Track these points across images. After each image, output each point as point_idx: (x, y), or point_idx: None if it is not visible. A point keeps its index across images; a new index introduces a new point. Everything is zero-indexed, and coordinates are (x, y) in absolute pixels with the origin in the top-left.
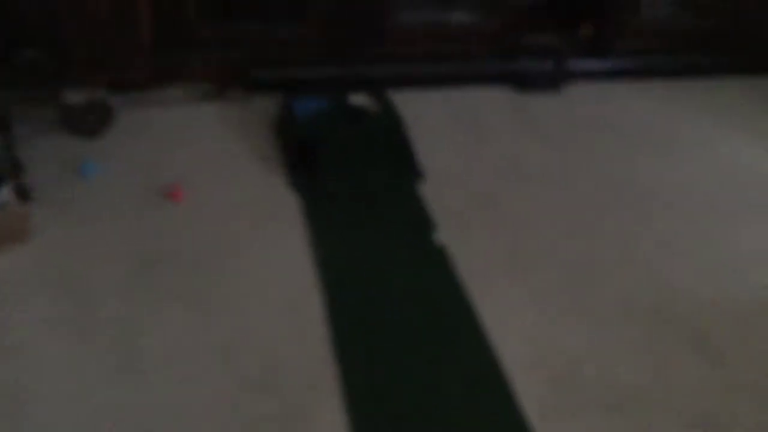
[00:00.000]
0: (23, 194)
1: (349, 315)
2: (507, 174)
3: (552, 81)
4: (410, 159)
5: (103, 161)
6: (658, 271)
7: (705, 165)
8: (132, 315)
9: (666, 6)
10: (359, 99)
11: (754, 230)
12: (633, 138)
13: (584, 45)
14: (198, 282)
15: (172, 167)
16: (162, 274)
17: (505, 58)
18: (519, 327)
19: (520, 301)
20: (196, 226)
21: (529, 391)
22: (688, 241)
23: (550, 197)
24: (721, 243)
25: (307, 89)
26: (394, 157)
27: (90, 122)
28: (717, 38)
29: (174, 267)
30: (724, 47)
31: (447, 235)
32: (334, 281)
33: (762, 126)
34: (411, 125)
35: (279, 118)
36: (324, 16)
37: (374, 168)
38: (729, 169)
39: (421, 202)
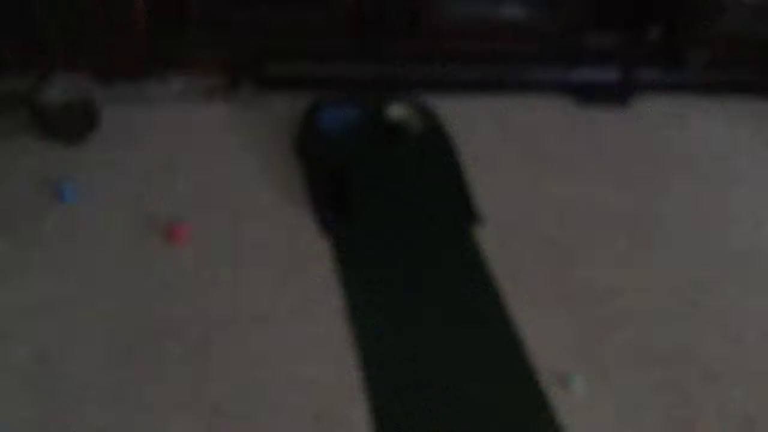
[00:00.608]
0: None
1: None
2: (579, 225)
3: (618, 94)
4: (466, 199)
5: (86, 181)
6: None
7: None
8: (121, 427)
9: (748, 13)
10: (397, 110)
11: None
12: (723, 181)
13: (653, 52)
14: (210, 373)
15: (171, 193)
16: (162, 358)
17: (562, 63)
18: None
19: (607, 419)
20: (203, 283)
21: None
22: None
23: (634, 262)
24: None
25: (332, 92)
26: (447, 195)
27: (70, 125)
28: None
29: (178, 347)
30: None
31: (516, 310)
32: (380, 384)
33: None
34: (459, 148)
35: (301, 131)
36: (352, 1)
37: (423, 209)
38: None
39: (483, 263)
